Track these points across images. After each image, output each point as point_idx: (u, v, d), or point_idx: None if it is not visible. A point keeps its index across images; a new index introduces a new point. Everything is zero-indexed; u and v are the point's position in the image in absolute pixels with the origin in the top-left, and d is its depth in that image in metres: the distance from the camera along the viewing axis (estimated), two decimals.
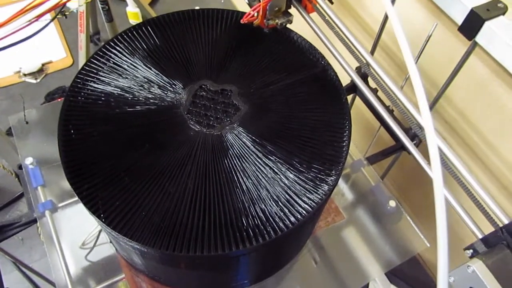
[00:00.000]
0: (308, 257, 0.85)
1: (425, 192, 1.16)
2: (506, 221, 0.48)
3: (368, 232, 0.92)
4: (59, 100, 1.70)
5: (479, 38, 0.68)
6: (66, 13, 1.33)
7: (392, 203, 0.90)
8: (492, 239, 0.47)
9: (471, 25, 0.68)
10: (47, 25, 0.76)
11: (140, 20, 2.03)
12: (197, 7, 0.79)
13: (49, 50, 1.96)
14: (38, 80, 1.88)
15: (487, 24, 0.66)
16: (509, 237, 0.45)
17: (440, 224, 0.38)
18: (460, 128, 0.94)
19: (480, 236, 0.49)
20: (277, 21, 0.75)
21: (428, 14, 0.89)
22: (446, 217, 0.39)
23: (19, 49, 1.87)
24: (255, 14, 0.73)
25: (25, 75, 1.87)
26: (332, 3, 0.80)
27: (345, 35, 0.70)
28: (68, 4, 2.15)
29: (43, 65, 1.91)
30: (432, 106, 0.82)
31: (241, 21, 0.74)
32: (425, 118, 0.43)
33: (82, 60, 1.51)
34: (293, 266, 0.85)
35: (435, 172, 0.40)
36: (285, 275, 0.84)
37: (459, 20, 0.70)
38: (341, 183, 0.98)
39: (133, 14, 2.04)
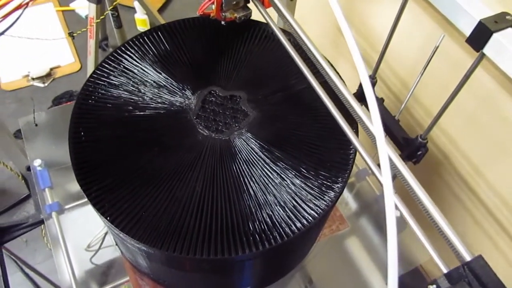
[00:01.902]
0: (311, 264, 0.85)
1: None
2: (468, 258, 0.48)
3: (372, 241, 0.93)
4: (68, 103, 1.71)
5: (487, 50, 0.69)
6: (74, 34, 1.37)
7: (396, 213, 0.90)
8: (455, 276, 0.46)
9: (479, 37, 0.68)
10: (18, 19, 0.76)
11: (148, 26, 2.06)
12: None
13: (57, 54, 1.98)
14: (46, 84, 1.90)
15: (495, 36, 0.66)
16: (471, 275, 0.45)
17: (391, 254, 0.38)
18: (468, 137, 0.95)
19: (445, 271, 0.49)
20: (235, 14, 0.74)
21: (436, 25, 0.90)
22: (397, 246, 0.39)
23: (27, 53, 1.89)
24: (212, 7, 0.71)
25: (33, 79, 1.89)
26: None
27: (297, 33, 0.67)
28: (77, 11, 2.18)
29: (51, 69, 1.93)
30: (439, 116, 0.83)
31: (197, 13, 0.73)
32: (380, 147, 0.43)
33: (90, 66, 1.52)
34: (296, 273, 0.85)
35: (388, 205, 0.40)
36: (287, 282, 0.84)
37: (467, 32, 0.71)
38: (346, 192, 0.99)
39: (141, 21, 2.06)
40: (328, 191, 0.62)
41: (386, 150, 0.42)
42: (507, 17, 0.67)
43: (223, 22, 0.76)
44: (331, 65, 0.64)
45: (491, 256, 0.92)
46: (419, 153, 0.90)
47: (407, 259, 0.90)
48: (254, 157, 0.65)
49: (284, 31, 0.72)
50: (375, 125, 0.45)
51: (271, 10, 0.75)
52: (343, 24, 0.47)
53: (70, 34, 1.35)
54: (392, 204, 0.39)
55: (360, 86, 1.01)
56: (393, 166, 0.53)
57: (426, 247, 0.50)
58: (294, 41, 0.70)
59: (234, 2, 0.73)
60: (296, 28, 0.66)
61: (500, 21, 0.66)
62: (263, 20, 0.78)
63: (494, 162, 0.90)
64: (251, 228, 0.58)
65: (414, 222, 0.53)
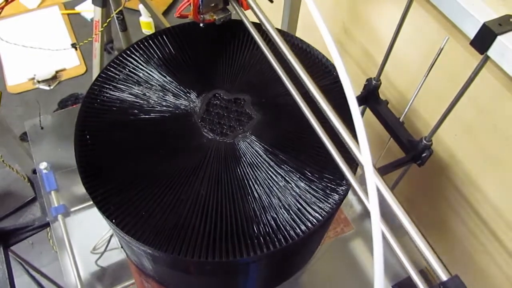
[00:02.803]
0: (316, 267, 0.85)
1: (434, 205, 1.16)
2: (445, 278, 0.48)
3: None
4: (73, 106, 1.72)
5: (491, 52, 0.69)
6: (76, 46, 1.39)
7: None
8: None
9: (483, 39, 0.68)
10: None
11: (153, 29, 2.07)
12: None
13: (63, 57, 1.99)
14: (52, 87, 1.91)
15: (499, 39, 0.66)
16: None
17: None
18: (472, 139, 0.94)
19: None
20: (214, 17, 0.74)
21: (440, 27, 0.90)
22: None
23: (33, 56, 1.90)
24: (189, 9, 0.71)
25: (39, 82, 1.90)
26: (271, 1, 0.78)
27: (272, 36, 0.66)
28: (82, 14, 2.19)
29: (56, 72, 1.94)
30: (443, 118, 0.83)
31: (175, 16, 0.73)
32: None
33: (96, 68, 1.53)
34: (301, 275, 0.85)
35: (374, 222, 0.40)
36: (293, 284, 0.84)
37: (471, 34, 0.71)
38: (350, 194, 0.99)
39: (146, 24, 2.07)
40: (332, 193, 0.62)
41: (374, 181, 0.41)
42: (511, 19, 0.67)
43: (201, 24, 0.75)
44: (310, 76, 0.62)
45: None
46: (423, 155, 0.90)
47: (411, 262, 0.90)
48: (259, 160, 0.65)
49: (262, 36, 0.71)
50: (364, 154, 0.43)
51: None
52: (323, 30, 0.47)
53: (73, 46, 1.37)
54: (379, 232, 0.39)
55: (364, 88, 1.01)
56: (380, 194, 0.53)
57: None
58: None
59: (213, 4, 0.73)
60: (272, 32, 0.65)
61: (504, 24, 0.67)
62: (242, 22, 0.78)
63: (502, 162, 0.90)
64: (256, 231, 0.58)
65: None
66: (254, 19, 0.72)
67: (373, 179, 0.41)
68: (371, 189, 0.40)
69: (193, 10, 0.71)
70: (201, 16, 0.73)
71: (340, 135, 0.55)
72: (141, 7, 1.99)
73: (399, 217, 0.51)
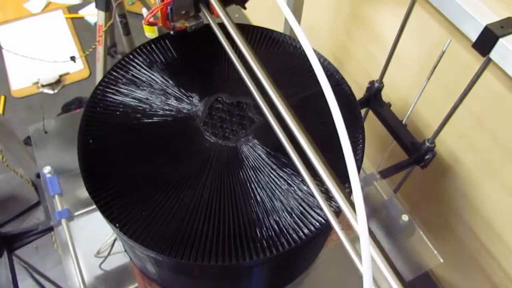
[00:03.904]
0: (319, 269, 0.85)
1: (437, 207, 1.15)
2: None
3: (380, 246, 0.92)
4: (77, 110, 1.73)
5: (493, 55, 0.69)
6: (75, 58, 1.42)
7: (405, 218, 0.90)
8: None
9: (485, 42, 0.68)
10: None
11: (156, 33, 2.07)
12: None
13: (67, 62, 1.99)
14: (56, 91, 1.92)
15: (501, 41, 0.66)
16: None
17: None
18: (475, 141, 0.94)
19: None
20: (186, 24, 0.73)
21: (443, 30, 0.90)
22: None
23: (37, 61, 1.91)
24: (156, 17, 0.70)
25: (43, 86, 1.91)
26: (245, 8, 0.78)
27: (238, 47, 0.65)
28: (86, 18, 2.20)
29: (60, 76, 1.95)
30: (446, 120, 0.83)
31: (143, 23, 0.73)
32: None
33: (99, 72, 1.54)
34: (304, 278, 0.85)
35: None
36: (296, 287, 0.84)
37: (473, 37, 0.71)
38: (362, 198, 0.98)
39: (149, 28, 2.08)
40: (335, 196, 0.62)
41: (369, 250, 0.40)
42: None
43: (171, 32, 0.75)
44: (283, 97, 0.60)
45: None
46: (427, 157, 0.90)
47: (416, 264, 0.90)
48: (261, 163, 0.65)
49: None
50: (360, 224, 0.40)
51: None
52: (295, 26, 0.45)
53: (72, 59, 1.39)
54: None
55: (367, 90, 1.01)
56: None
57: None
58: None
59: (183, 12, 0.72)
60: (239, 44, 0.64)
61: (506, 26, 0.67)
62: (246, 25, 0.79)
63: (505, 164, 0.90)
64: (259, 234, 0.58)
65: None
66: (258, 19, 0.72)
67: (368, 249, 0.39)
68: (366, 260, 0.39)
69: (161, 18, 0.70)
70: (171, 23, 0.72)
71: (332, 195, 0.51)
72: (144, 11, 2.00)
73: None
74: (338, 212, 0.55)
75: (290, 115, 0.54)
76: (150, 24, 0.72)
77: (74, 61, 1.38)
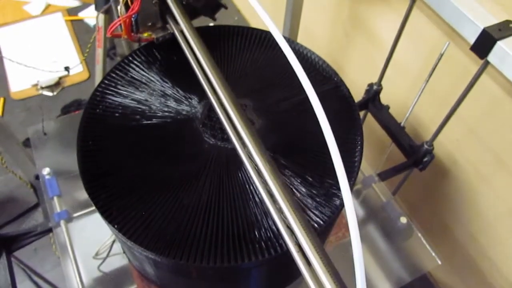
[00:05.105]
0: None
1: (435, 209, 1.16)
2: None
3: (379, 248, 0.92)
4: (76, 112, 1.73)
5: (491, 57, 0.69)
6: (69, 69, 1.44)
7: (403, 220, 0.90)
8: None
9: (483, 45, 0.69)
10: None
11: None
12: (211, 24, 0.80)
13: (66, 63, 1.99)
14: (55, 93, 1.92)
15: (499, 44, 0.67)
16: None
17: None
18: (473, 143, 0.94)
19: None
20: (153, 36, 0.73)
21: (441, 33, 0.91)
22: None
23: (37, 62, 1.91)
24: (119, 29, 0.69)
25: (42, 88, 1.91)
26: (214, 19, 0.78)
27: (198, 58, 0.67)
28: (86, 20, 2.21)
29: (60, 78, 1.95)
30: (444, 122, 0.83)
31: (107, 35, 0.71)
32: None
33: (98, 74, 1.54)
34: (303, 280, 0.85)
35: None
36: None
37: (471, 40, 0.72)
38: (352, 198, 0.99)
39: None
40: (333, 198, 0.62)
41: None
42: (511, 25, 0.67)
43: (138, 44, 0.74)
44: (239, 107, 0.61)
45: None
46: (425, 160, 0.90)
47: (414, 266, 0.90)
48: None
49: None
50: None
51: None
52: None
53: (66, 69, 1.40)
54: None
55: (365, 93, 1.01)
56: None
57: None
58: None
59: (150, 24, 0.71)
60: (196, 51, 0.66)
61: (504, 29, 0.67)
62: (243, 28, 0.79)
63: (502, 167, 0.90)
64: (257, 235, 0.58)
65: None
66: (257, 22, 0.73)
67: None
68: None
69: (124, 30, 0.69)
70: (136, 36, 0.72)
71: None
72: None
73: None
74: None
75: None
76: (114, 36, 0.71)
77: (68, 72, 1.39)
